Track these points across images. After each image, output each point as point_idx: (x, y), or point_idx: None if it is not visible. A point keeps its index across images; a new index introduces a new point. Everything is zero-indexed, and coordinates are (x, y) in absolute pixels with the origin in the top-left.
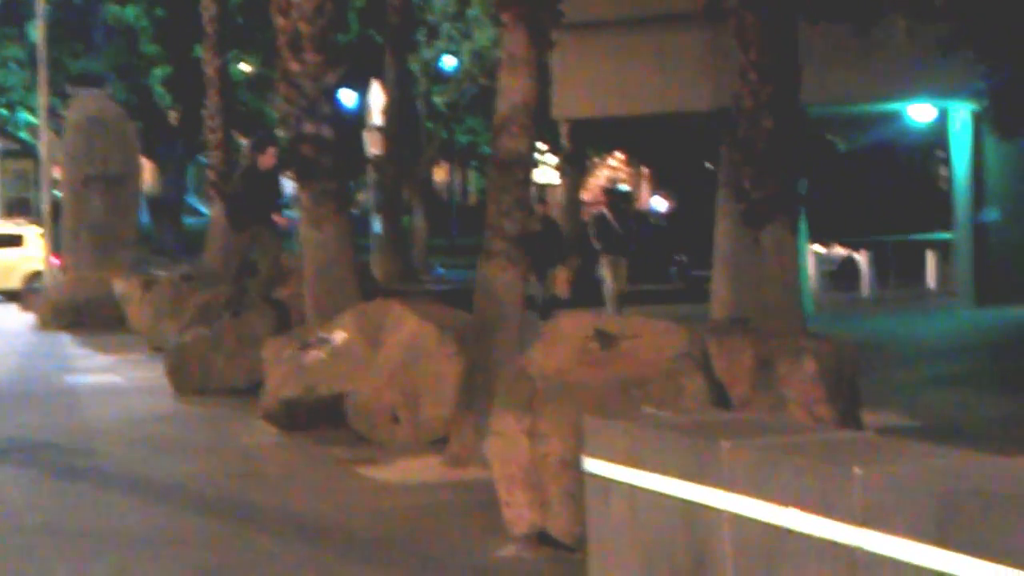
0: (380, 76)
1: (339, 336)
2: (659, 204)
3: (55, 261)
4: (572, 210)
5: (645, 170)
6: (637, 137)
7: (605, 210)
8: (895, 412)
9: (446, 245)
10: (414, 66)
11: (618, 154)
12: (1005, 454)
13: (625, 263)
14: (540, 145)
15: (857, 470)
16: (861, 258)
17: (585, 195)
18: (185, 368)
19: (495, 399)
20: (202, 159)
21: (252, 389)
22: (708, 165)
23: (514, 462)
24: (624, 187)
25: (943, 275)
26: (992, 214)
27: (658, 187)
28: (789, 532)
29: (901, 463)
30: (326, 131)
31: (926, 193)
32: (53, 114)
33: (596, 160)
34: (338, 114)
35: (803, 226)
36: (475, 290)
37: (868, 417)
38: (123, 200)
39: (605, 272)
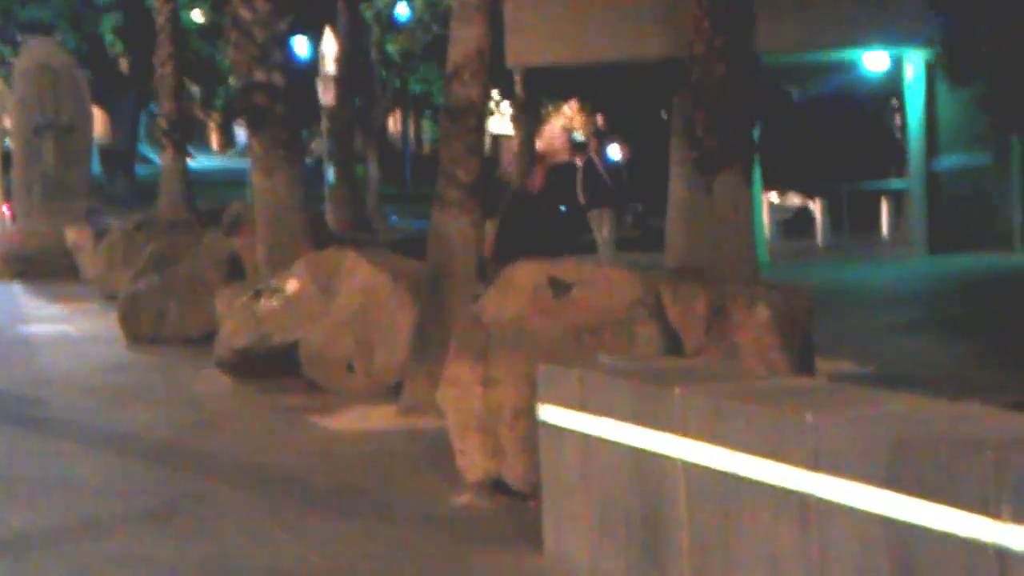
0: (333, 24)
1: (292, 285)
2: (614, 153)
3: (5, 211)
4: (525, 159)
5: (600, 119)
6: (591, 85)
7: (593, 157)
8: (848, 359)
9: (400, 194)
10: (367, 14)
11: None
12: (956, 400)
13: (610, 214)
14: (494, 95)
15: (810, 416)
16: (815, 206)
17: (539, 144)
18: (138, 317)
19: (449, 347)
20: (154, 108)
21: (205, 338)
22: (663, 113)
23: (468, 410)
24: (580, 136)
25: (897, 223)
26: (954, 160)
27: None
28: (742, 478)
29: (854, 409)
30: (278, 79)
31: (880, 141)
32: (2, 62)
33: (551, 109)
34: (290, 62)
35: (757, 175)
36: (428, 238)
37: (821, 364)
38: (74, 149)
39: (594, 229)
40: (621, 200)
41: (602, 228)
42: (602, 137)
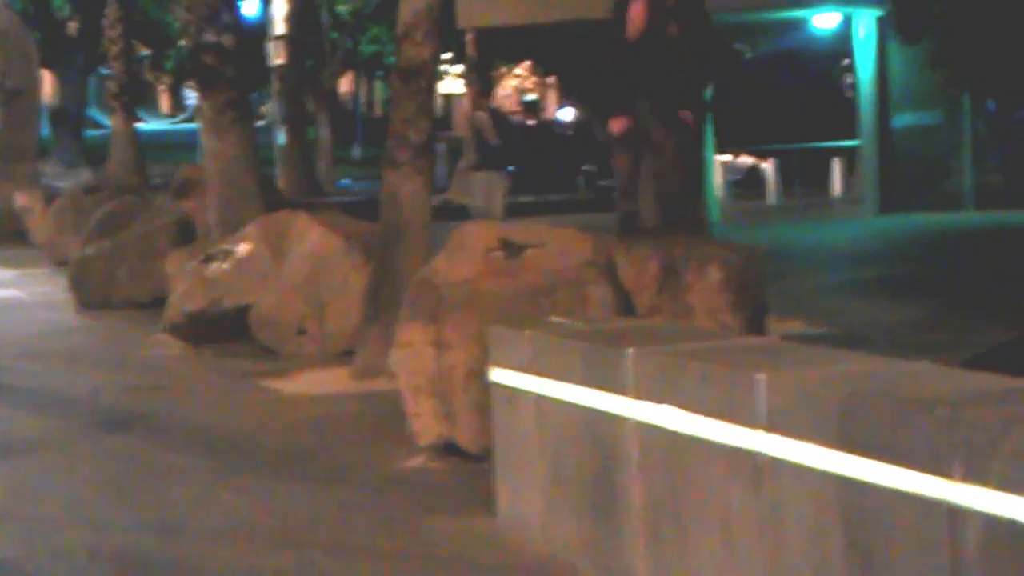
0: None
1: (243, 248)
2: (566, 114)
3: None
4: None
5: (551, 79)
6: (543, 46)
7: (480, 116)
8: (800, 319)
9: (351, 156)
10: None
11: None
12: (907, 358)
13: (505, 180)
14: (446, 56)
15: (761, 375)
16: (767, 166)
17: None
18: (88, 281)
19: (401, 310)
20: (103, 70)
21: (156, 302)
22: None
23: (420, 373)
24: (531, 97)
25: (848, 183)
26: (905, 119)
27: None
28: (695, 439)
29: (805, 368)
30: (227, 40)
31: (832, 101)
32: None
33: (503, 70)
34: (240, 23)
35: (709, 135)
36: (380, 200)
37: (773, 324)
38: (23, 112)
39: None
40: (505, 163)
41: (492, 193)
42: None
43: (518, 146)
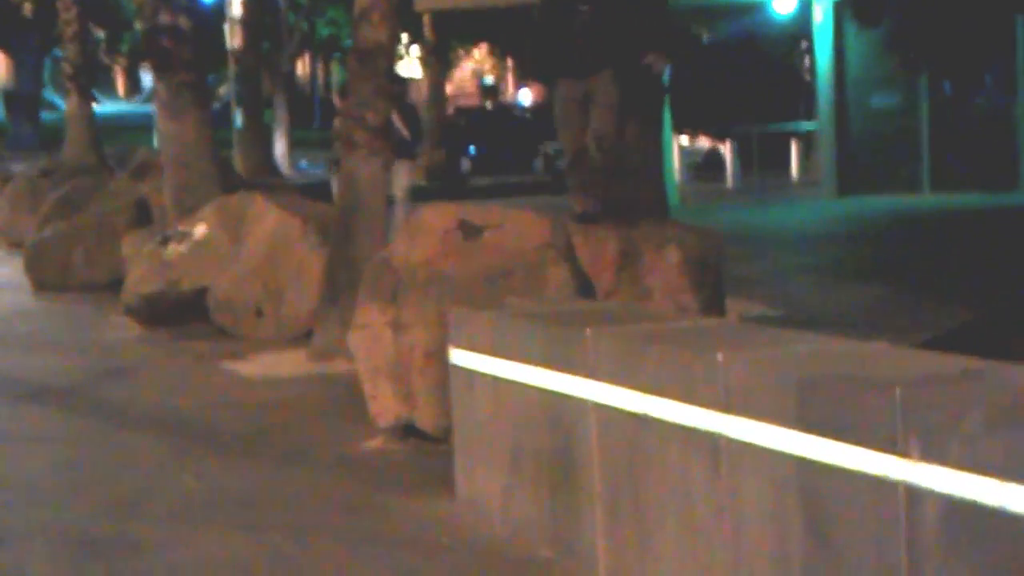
0: None
1: (200, 230)
2: (525, 97)
3: None
4: (436, 102)
5: (510, 62)
6: (501, 28)
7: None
8: (758, 301)
9: (308, 138)
10: None
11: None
12: (865, 340)
13: (407, 167)
14: (403, 38)
15: (720, 356)
16: (725, 149)
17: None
18: (44, 264)
19: (359, 291)
20: (58, 52)
21: (113, 285)
22: None
23: (379, 354)
24: (489, 80)
25: (806, 165)
26: (887, 98)
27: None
28: (653, 419)
29: (763, 349)
30: (184, 22)
31: (789, 83)
32: None
33: (461, 52)
34: (196, 5)
35: (668, 118)
36: (338, 182)
37: (732, 306)
38: None
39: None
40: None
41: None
42: (404, 81)
43: (476, 128)
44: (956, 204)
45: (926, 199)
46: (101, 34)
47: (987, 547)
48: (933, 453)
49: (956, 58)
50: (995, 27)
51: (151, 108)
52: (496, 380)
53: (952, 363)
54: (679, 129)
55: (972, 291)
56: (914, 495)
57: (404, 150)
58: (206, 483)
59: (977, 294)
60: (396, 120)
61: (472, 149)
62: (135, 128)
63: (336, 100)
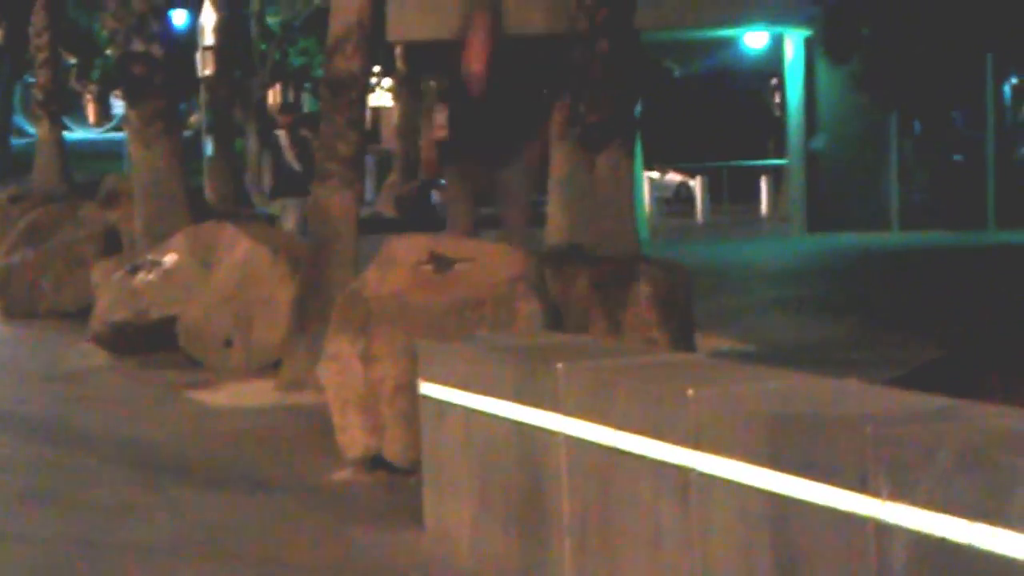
0: None
1: (170, 258)
2: None
3: None
4: (407, 133)
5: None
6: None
7: (281, 135)
8: (728, 336)
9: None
10: None
11: None
12: (835, 376)
13: (297, 208)
14: (375, 69)
15: (691, 392)
16: (695, 184)
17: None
18: (12, 291)
19: (329, 322)
20: (29, 79)
21: (81, 312)
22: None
23: (348, 386)
24: None
25: (776, 201)
26: (820, 141)
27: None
28: (624, 454)
29: (734, 385)
30: (156, 49)
31: (760, 119)
32: None
33: (432, 83)
34: (168, 33)
35: (639, 152)
36: (309, 212)
37: (702, 341)
38: None
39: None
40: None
41: (287, 220)
42: (295, 111)
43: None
44: (925, 242)
45: (895, 236)
46: (72, 61)
47: None
48: (903, 491)
49: (926, 96)
50: (965, 65)
51: (121, 135)
52: (466, 413)
53: (922, 401)
54: (650, 163)
55: (942, 328)
56: (883, 532)
57: (293, 187)
58: (172, 513)
59: (947, 331)
60: (289, 153)
61: (443, 180)
62: (105, 156)
63: (280, 119)
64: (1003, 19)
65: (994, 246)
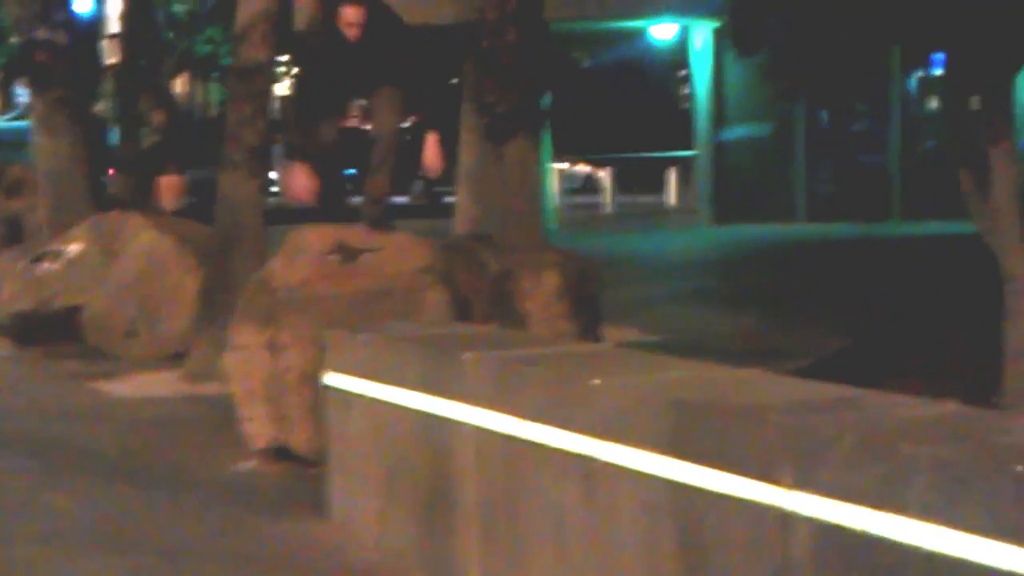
0: None
1: (74, 248)
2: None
3: None
4: None
5: None
6: None
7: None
8: (635, 327)
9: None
10: None
11: None
12: (740, 367)
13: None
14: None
15: (596, 382)
16: (603, 175)
17: None
18: None
19: (235, 312)
20: None
21: None
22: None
23: (254, 376)
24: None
25: (683, 193)
26: (740, 131)
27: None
28: (530, 444)
29: (639, 375)
30: (60, 37)
31: (668, 111)
32: None
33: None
34: (73, 20)
35: (547, 143)
36: (216, 202)
37: (609, 332)
38: None
39: None
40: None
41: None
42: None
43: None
44: (831, 234)
45: (801, 228)
46: None
47: (856, 573)
48: (805, 480)
49: (832, 88)
50: (871, 58)
51: (26, 124)
52: (372, 403)
53: (825, 391)
54: (559, 154)
55: (846, 319)
56: (786, 521)
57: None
58: (77, 505)
59: (850, 323)
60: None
61: (352, 171)
62: (9, 144)
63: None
64: (908, 12)
65: (899, 238)
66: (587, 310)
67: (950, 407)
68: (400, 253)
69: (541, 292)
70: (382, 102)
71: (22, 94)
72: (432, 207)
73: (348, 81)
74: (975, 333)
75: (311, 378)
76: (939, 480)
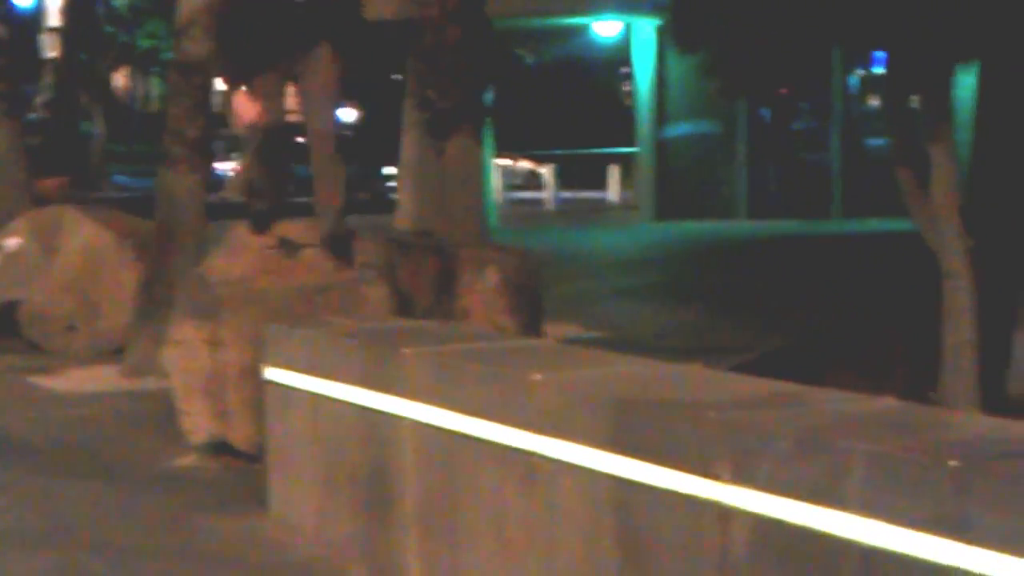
0: None
1: (12, 242)
2: (347, 115)
3: None
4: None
5: None
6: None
7: None
8: (576, 323)
9: (126, 152)
10: None
11: None
12: (680, 362)
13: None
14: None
15: (536, 376)
16: (546, 172)
17: None
18: None
19: (175, 307)
20: None
21: None
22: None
23: (193, 371)
24: None
25: (626, 190)
26: (682, 128)
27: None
28: (470, 439)
29: (579, 370)
30: None
31: (611, 108)
32: None
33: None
34: (11, 13)
35: (489, 139)
36: (156, 196)
37: (550, 328)
38: None
39: None
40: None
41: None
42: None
43: (298, 146)
44: (772, 231)
45: (743, 225)
46: None
47: (795, 566)
48: (744, 475)
49: (773, 86)
50: (811, 57)
51: None
52: (312, 398)
53: (764, 387)
54: (500, 150)
55: (785, 316)
56: (725, 515)
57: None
58: (12, 500)
59: (790, 320)
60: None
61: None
62: None
63: None
64: (849, 11)
65: (840, 235)
66: (528, 305)
67: (888, 402)
68: None
69: (482, 287)
70: (316, 77)
71: None
72: (374, 202)
73: (282, 26)
74: (914, 330)
75: (251, 373)
76: (876, 475)
